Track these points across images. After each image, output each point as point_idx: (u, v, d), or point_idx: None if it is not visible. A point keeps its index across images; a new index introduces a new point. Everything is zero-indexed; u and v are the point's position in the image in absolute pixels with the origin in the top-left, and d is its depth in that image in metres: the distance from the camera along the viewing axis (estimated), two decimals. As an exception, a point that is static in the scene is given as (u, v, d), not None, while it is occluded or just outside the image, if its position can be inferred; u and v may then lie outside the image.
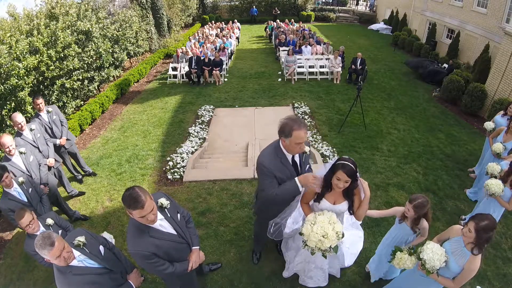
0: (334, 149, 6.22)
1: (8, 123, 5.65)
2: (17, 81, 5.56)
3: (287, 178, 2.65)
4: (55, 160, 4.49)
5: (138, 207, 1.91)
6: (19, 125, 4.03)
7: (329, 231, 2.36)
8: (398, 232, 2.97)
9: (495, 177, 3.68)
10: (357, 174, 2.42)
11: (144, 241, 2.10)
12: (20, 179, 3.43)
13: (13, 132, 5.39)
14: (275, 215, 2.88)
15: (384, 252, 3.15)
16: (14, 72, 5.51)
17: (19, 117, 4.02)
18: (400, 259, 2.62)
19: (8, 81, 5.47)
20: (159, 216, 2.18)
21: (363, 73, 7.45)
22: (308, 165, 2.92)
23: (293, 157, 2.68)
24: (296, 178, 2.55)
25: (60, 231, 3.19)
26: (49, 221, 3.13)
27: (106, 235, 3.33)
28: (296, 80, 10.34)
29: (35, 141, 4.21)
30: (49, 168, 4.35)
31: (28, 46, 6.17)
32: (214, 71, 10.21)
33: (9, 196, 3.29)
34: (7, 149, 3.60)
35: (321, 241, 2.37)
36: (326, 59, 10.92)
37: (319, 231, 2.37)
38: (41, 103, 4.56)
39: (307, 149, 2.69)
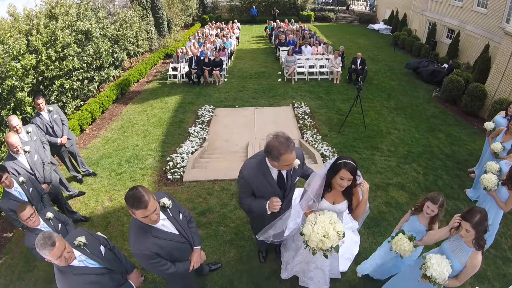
0: (334, 149, 6.22)
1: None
2: (14, 82, 5.52)
3: (266, 191, 2.60)
4: (51, 163, 4.48)
5: (142, 207, 1.92)
6: (15, 128, 4.01)
7: (330, 231, 2.36)
8: (406, 224, 2.95)
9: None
10: (357, 171, 2.42)
11: (147, 241, 2.10)
12: (21, 179, 3.45)
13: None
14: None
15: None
16: (11, 72, 5.48)
17: (14, 120, 3.99)
18: (399, 239, 2.65)
19: (5, 82, 5.44)
20: (162, 216, 2.19)
21: (363, 73, 7.46)
22: (297, 178, 2.81)
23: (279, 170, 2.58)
24: (267, 203, 2.55)
25: (59, 225, 3.22)
26: (49, 214, 3.15)
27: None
28: (296, 80, 10.34)
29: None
30: None
31: (26, 46, 6.14)
32: (214, 71, 10.21)
33: (10, 196, 3.31)
34: (15, 149, 3.63)
35: (322, 241, 2.36)
36: (326, 59, 10.91)
37: (320, 231, 2.37)
38: (41, 103, 4.56)
39: (296, 163, 2.52)
